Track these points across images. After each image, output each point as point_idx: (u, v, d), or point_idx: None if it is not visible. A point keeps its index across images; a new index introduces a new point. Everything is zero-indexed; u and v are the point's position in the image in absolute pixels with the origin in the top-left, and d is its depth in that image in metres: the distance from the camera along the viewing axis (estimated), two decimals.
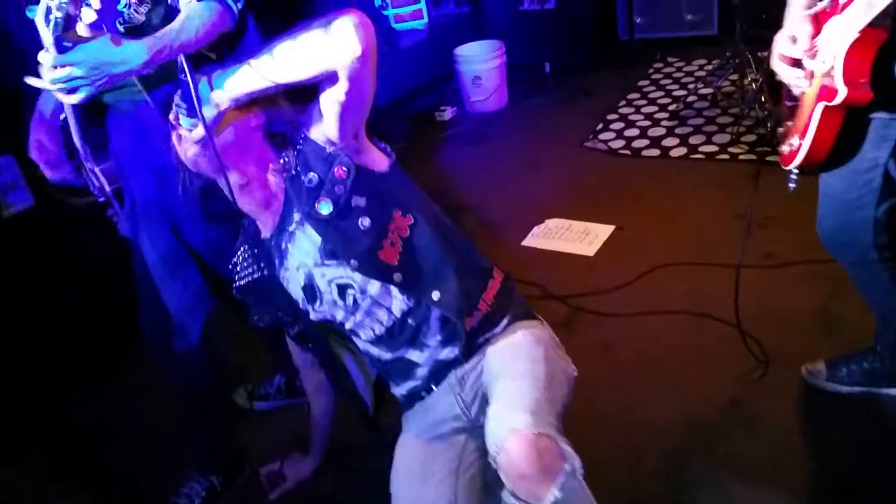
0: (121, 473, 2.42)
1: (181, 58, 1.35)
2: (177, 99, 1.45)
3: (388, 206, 1.57)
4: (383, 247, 1.55)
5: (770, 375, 2.25)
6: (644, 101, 4.33)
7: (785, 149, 1.79)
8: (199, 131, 1.44)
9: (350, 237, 1.54)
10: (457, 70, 4.64)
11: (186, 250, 1.91)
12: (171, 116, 1.50)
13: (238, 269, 1.73)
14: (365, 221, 1.54)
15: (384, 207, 1.56)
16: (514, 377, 1.50)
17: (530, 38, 4.82)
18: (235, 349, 2.63)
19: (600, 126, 4.13)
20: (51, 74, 1.38)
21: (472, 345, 1.62)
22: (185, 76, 1.38)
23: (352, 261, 1.54)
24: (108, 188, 1.86)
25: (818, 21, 1.61)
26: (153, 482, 2.34)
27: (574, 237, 3.17)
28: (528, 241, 3.23)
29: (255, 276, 1.72)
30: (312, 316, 1.67)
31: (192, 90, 1.39)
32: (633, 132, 3.99)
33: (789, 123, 1.79)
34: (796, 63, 1.66)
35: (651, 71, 4.69)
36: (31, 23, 1.38)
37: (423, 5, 5.04)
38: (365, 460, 2.12)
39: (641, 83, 4.56)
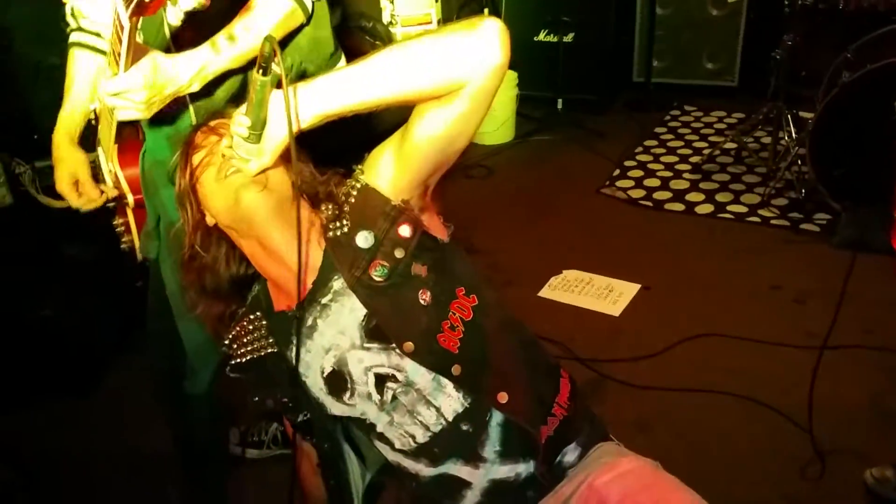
0: None
1: (275, 54, 1.02)
2: (236, 116, 1.11)
3: (452, 281, 1.27)
4: (443, 330, 1.24)
5: (828, 474, 2.00)
6: (663, 150, 4.09)
7: None
8: (262, 164, 1.13)
9: (406, 312, 1.23)
10: None
11: None
12: (223, 143, 1.17)
13: (237, 342, 1.40)
14: (426, 295, 1.23)
15: (447, 282, 1.27)
16: None
17: (542, 70, 4.56)
18: (226, 382, 2.32)
19: (617, 172, 3.87)
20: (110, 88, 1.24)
21: (551, 462, 1.31)
22: (266, 76, 1.05)
23: (405, 343, 1.22)
24: (130, 198, 1.55)
25: None
26: None
27: (596, 293, 2.88)
28: (546, 293, 2.93)
29: (262, 352, 1.39)
30: (333, 410, 1.34)
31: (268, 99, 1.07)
32: (654, 182, 3.74)
33: None
34: None
35: (667, 118, 4.47)
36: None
37: (433, 27, 4.77)
38: None
39: (658, 130, 4.34)
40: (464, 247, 1.41)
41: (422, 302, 1.23)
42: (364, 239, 1.23)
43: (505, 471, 1.30)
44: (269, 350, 1.37)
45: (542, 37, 4.60)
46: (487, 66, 1.07)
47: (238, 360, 1.40)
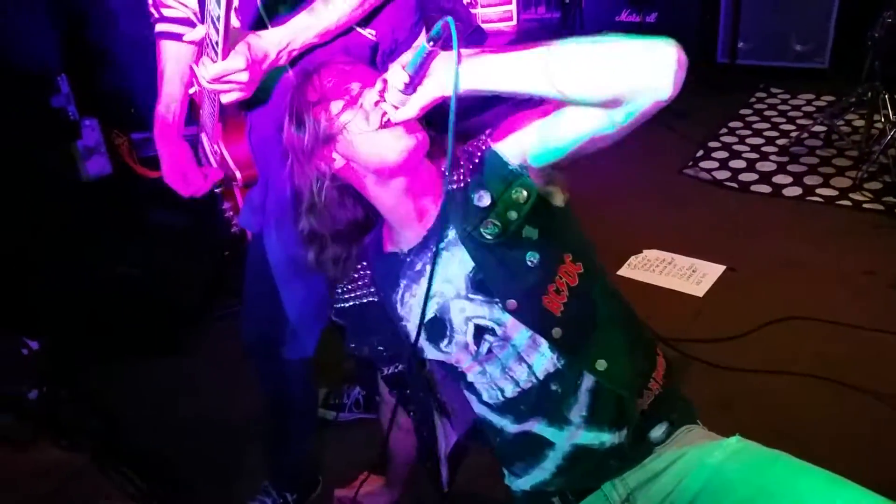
0: (172, 464, 2.22)
1: (447, 20, 1.03)
2: (397, 67, 1.13)
3: (561, 246, 1.28)
4: (548, 292, 1.25)
5: None
6: (748, 132, 3.98)
7: None
8: (408, 112, 1.14)
9: (513, 272, 1.25)
10: None
11: None
12: (377, 89, 1.19)
13: (342, 288, 1.44)
14: (534, 258, 1.24)
15: (557, 247, 1.27)
16: None
17: None
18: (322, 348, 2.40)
19: (700, 153, 3.79)
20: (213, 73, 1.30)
21: (642, 435, 1.31)
22: (438, 44, 1.07)
23: (509, 301, 1.24)
24: (238, 174, 1.59)
25: None
26: (213, 476, 2.15)
27: (678, 273, 2.83)
28: (625, 272, 2.90)
29: (364, 300, 1.43)
30: (428, 355, 1.37)
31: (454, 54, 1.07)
32: (740, 164, 3.65)
33: None
34: None
35: (753, 100, 4.34)
36: None
37: (513, 7, 4.75)
38: None
39: (743, 111, 4.22)
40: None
41: (528, 263, 1.24)
42: (479, 197, 1.25)
43: (590, 437, 1.31)
44: (371, 299, 1.42)
45: (624, 17, 4.53)
46: (654, 93, 1.05)
47: (342, 305, 1.45)
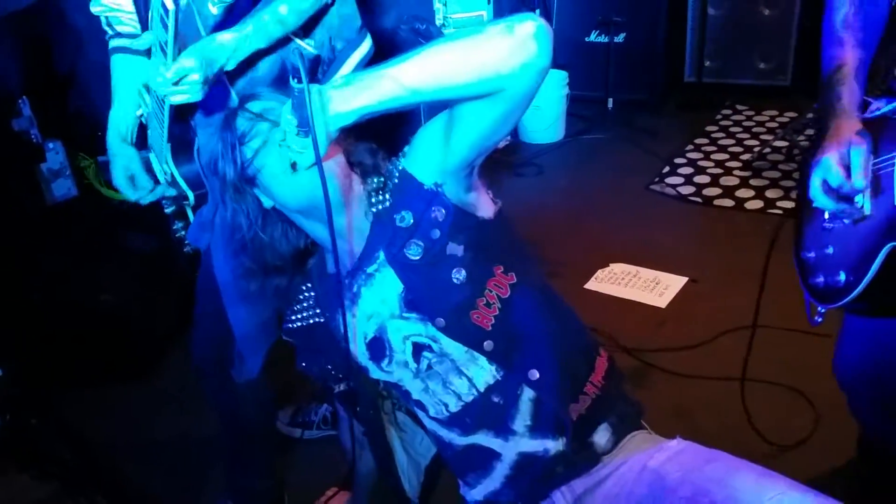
0: (146, 490, 2.20)
1: (297, 56, 1.06)
2: (286, 112, 1.14)
3: (490, 259, 1.29)
4: (478, 307, 1.26)
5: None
6: (713, 148, 4.06)
7: (819, 281, 1.44)
8: (310, 157, 1.14)
9: (440, 290, 1.26)
10: None
11: None
12: (277, 136, 1.20)
13: (292, 309, 1.46)
14: (460, 274, 1.25)
15: (484, 261, 1.28)
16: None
17: (593, 70, 4.56)
18: (282, 368, 2.38)
19: (667, 169, 3.85)
20: (166, 77, 1.31)
21: (582, 440, 1.32)
22: (302, 83, 1.08)
23: (438, 319, 1.26)
24: (189, 193, 1.59)
25: (873, 129, 1.27)
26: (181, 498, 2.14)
27: (642, 285, 2.87)
28: (592, 285, 2.93)
29: (311, 321, 1.44)
30: (373, 375, 1.39)
31: (308, 103, 1.09)
32: (704, 179, 3.71)
33: (828, 251, 1.42)
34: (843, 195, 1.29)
35: (719, 117, 4.42)
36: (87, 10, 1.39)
37: None
38: None
39: (709, 128, 4.29)
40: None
41: (455, 280, 1.25)
42: (402, 218, 1.26)
43: (534, 445, 1.32)
44: (317, 320, 1.43)
45: (593, 38, 4.61)
46: (526, 68, 1.07)
47: (290, 325, 1.46)
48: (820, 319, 1.49)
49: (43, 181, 2.73)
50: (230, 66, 1.39)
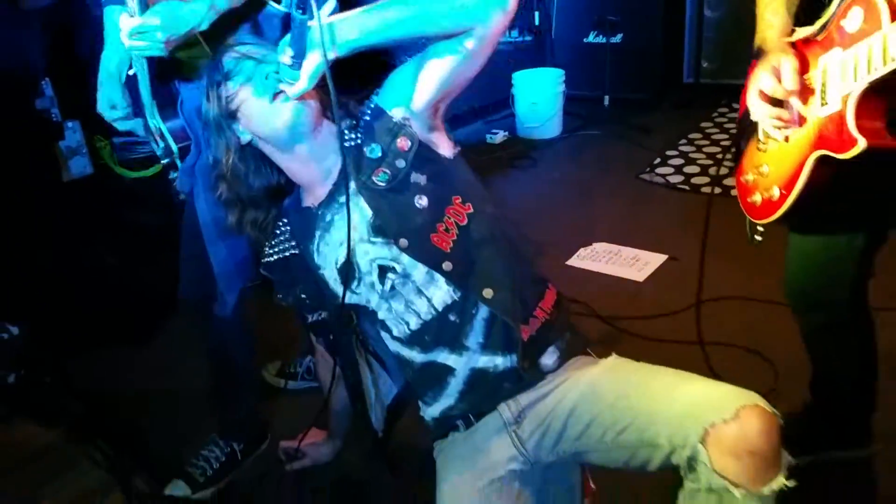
0: (145, 436, 2.35)
1: None
2: (284, 45, 1.31)
3: (449, 190, 1.45)
4: (437, 230, 1.42)
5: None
6: (706, 142, 4.18)
7: (756, 199, 1.60)
8: (302, 86, 1.31)
9: (404, 213, 1.42)
10: (513, 94, 4.56)
11: None
12: (269, 68, 1.39)
13: (268, 245, 1.62)
14: (422, 200, 1.42)
15: (444, 191, 1.44)
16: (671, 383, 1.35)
17: (592, 71, 4.73)
18: (272, 326, 2.53)
19: (658, 160, 3.99)
20: (130, 27, 1.46)
21: (531, 359, 1.46)
22: (306, 14, 1.24)
23: (401, 239, 1.41)
24: (173, 146, 1.78)
25: (800, 51, 1.42)
26: (175, 447, 2.27)
27: (623, 262, 3.00)
28: (574, 262, 3.07)
29: (287, 253, 1.60)
30: (345, 299, 1.54)
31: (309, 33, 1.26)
32: (694, 169, 3.84)
33: (762, 170, 1.57)
34: (776, 101, 1.44)
35: (715, 115, 4.55)
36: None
37: None
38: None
39: (704, 125, 4.42)
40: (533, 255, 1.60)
41: (417, 205, 1.41)
42: (371, 150, 1.43)
43: (485, 360, 1.46)
44: (293, 252, 1.59)
45: (591, 38, 4.77)
46: (492, 12, 1.27)
47: (268, 259, 1.62)
48: (759, 238, 1.64)
49: (61, 158, 2.94)
50: (204, 27, 1.54)
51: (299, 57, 1.28)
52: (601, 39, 4.71)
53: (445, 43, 1.32)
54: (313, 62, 1.29)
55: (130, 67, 1.74)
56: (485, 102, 4.91)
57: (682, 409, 1.23)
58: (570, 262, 3.07)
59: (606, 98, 4.75)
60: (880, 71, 1.20)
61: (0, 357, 2.64)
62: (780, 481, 1.17)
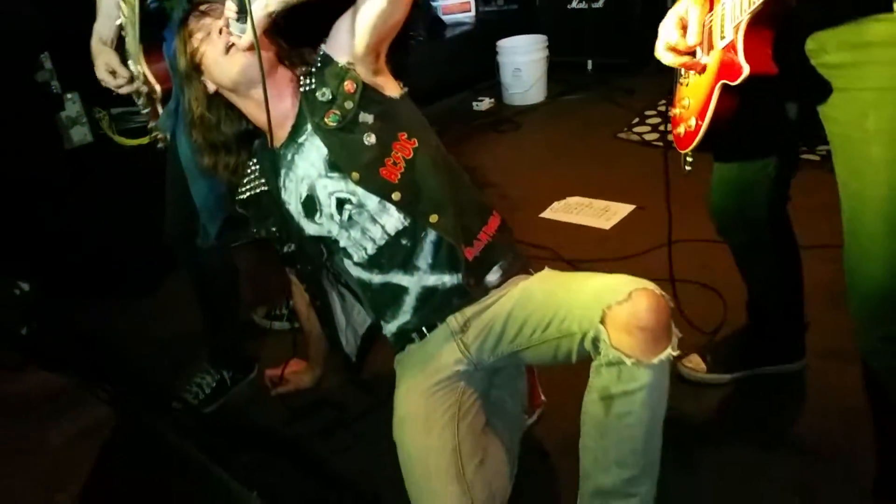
0: (144, 376, 2.50)
1: None
2: (228, 3, 1.50)
3: (395, 127, 1.63)
4: (385, 164, 1.60)
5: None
6: None
7: (681, 131, 1.74)
8: (248, 38, 1.48)
9: (354, 150, 1.60)
10: (498, 61, 4.71)
11: None
12: (220, 23, 1.58)
13: (241, 182, 1.80)
14: (370, 138, 1.60)
15: (391, 128, 1.62)
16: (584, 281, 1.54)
17: (576, 36, 4.86)
18: (261, 277, 2.78)
19: (636, 120, 4.13)
20: None
21: (477, 277, 1.64)
22: None
23: (353, 173, 1.59)
24: (157, 88, 1.95)
25: None
26: (173, 381, 2.46)
27: (593, 213, 3.17)
28: (547, 214, 3.24)
29: (258, 190, 1.79)
30: (308, 230, 1.72)
31: None
32: (669, 127, 3.97)
33: (685, 103, 1.70)
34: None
35: None
36: None
37: None
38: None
39: None
40: (476, 181, 1.75)
41: (366, 142, 1.60)
42: (322, 94, 1.62)
43: (434, 279, 1.65)
44: (263, 188, 1.78)
45: (574, 5, 4.90)
46: None
47: (242, 197, 1.81)
48: (689, 168, 1.81)
49: (62, 127, 3.14)
50: None
51: (242, 12, 1.45)
52: (584, 6, 4.84)
53: None
54: (258, 14, 1.45)
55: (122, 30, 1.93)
56: (470, 71, 5.06)
57: (587, 298, 1.42)
58: (543, 215, 3.24)
59: (590, 63, 4.89)
60: (758, 0, 1.35)
61: (13, 311, 2.86)
62: (668, 353, 1.35)
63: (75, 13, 2.99)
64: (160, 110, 1.98)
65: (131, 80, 1.94)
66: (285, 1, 1.45)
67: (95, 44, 1.95)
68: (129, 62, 1.93)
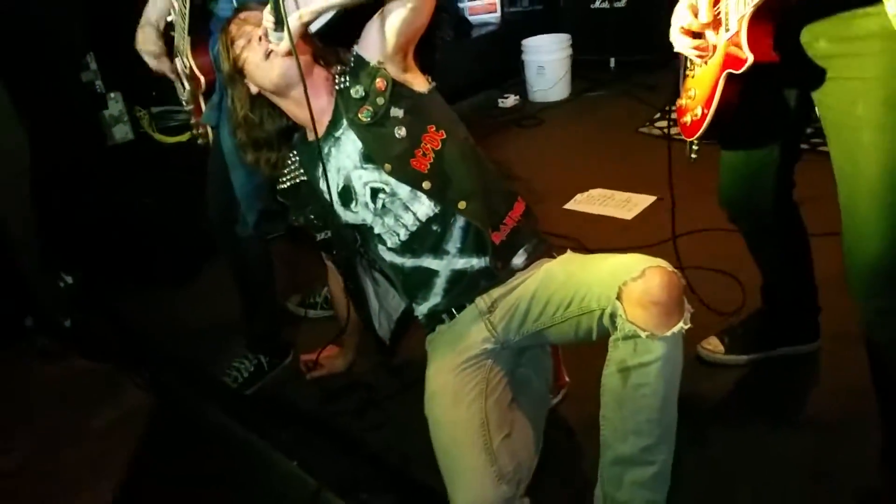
0: (184, 362, 2.66)
1: None
2: (266, 13, 1.62)
3: (424, 121, 1.73)
4: (415, 155, 1.71)
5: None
6: None
7: (687, 120, 1.81)
8: (286, 45, 1.60)
9: (386, 143, 1.71)
10: (523, 59, 4.80)
11: None
12: (259, 32, 1.70)
13: (282, 175, 1.92)
14: (401, 131, 1.70)
15: (420, 121, 1.73)
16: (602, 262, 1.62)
17: (598, 35, 4.93)
18: (297, 267, 2.90)
19: (658, 115, 4.19)
20: None
21: (504, 260, 1.74)
22: None
23: (386, 164, 1.70)
24: (202, 80, 2.07)
25: None
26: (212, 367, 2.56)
27: (615, 204, 3.25)
28: (570, 206, 3.33)
29: (297, 180, 1.90)
30: (345, 218, 1.83)
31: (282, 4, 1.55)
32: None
33: (691, 94, 1.77)
34: (696, 34, 1.61)
35: None
36: None
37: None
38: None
39: None
40: (502, 174, 1.86)
41: (397, 135, 1.71)
42: (356, 91, 1.73)
43: (462, 263, 1.76)
44: (302, 178, 1.89)
45: (597, 4, 4.98)
46: None
47: (282, 186, 1.93)
48: (695, 156, 1.89)
49: (105, 125, 3.29)
50: None
51: (279, 22, 1.56)
52: (606, 5, 4.91)
53: (395, 1, 1.59)
54: (294, 24, 1.57)
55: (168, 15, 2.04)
56: (496, 69, 5.16)
57: (605, 276, 1.51)
58: (567, 206, 3.33)
59: (612, 60, 4.96)
60: None
61: (57, 303, 3.01)
62: (680, 326, 1.43)
63: (122, 15, 3.14)
64: (203, 106, 2.10)
65: (163, 55, 2.06)
66: (317, 10, 1.57)
67: (142, 24, 2.07)
68: (177, 59, 2.05)
